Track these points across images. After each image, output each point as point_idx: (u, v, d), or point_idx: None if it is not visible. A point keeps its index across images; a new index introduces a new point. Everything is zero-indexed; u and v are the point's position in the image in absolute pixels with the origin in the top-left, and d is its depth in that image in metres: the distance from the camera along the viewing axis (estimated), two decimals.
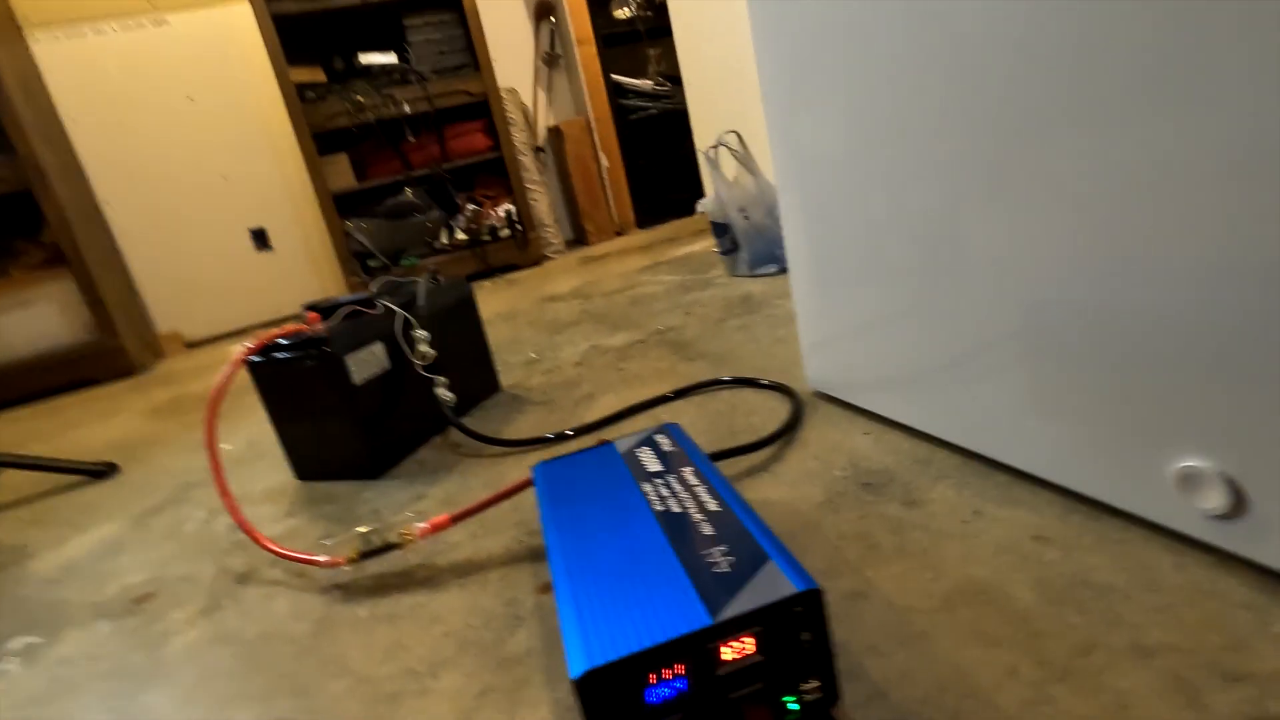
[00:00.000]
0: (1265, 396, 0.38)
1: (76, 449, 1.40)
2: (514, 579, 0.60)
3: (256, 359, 0.88)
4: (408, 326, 0.94)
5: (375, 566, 0.66)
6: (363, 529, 0.66)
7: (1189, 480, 0.43)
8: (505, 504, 0.73)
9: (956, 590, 0.47)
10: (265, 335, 0.85)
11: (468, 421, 1.01)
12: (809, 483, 0.65)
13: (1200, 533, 0.44)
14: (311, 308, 0.91)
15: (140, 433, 1.44)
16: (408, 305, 0.95)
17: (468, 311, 1.10)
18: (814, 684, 0.38)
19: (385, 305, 0.93)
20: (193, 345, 2.56)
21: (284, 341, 0.87)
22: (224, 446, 1.19)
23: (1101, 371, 0.47)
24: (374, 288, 0.99)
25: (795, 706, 0.38)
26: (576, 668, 0.35)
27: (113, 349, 2.18)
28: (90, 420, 1.68)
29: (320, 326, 0.87)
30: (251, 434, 1.23)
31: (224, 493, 0.72)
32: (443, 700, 0.47)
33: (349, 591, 0.64)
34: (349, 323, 0.89)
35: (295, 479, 0.95)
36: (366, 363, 0.89)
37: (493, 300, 2.06)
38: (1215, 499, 0.42)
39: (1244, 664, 0.37)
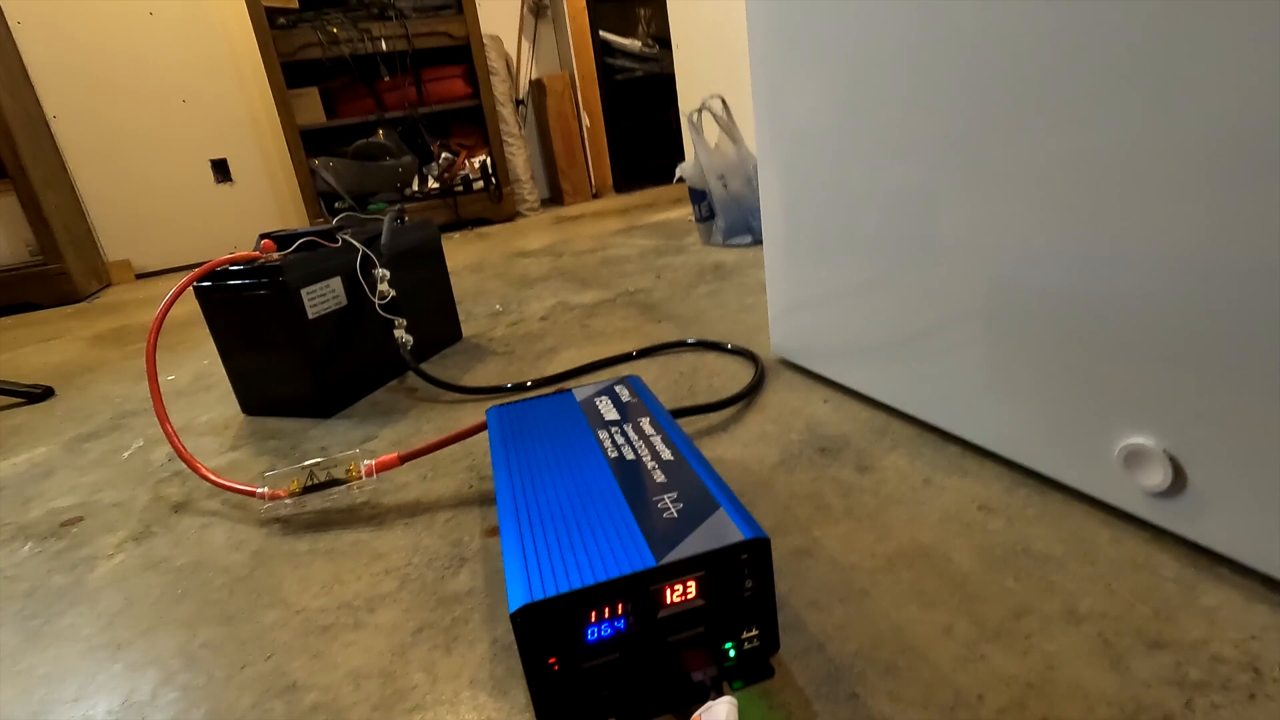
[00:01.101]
0: (1210, 380, 0.39)
1: (11, 372, 1.34)
2: (461, 521, 0.59)
3: (205, 284, 0.85)
4: (368, 264, 0.91)
5: (319, 503, 0.64)
6: (307, 464, 0.64)
7: (1134, 457, 0.44)
8: (458, 449, 0.72)
9: (900, 552, 0.47)
10: (216, 260, 0.82)
11: (426, 367, 0.99)
12: (765, 444, 0.65)
13: (1139, 509, 0.45)
14: (267, 236, 0.87)
15: (81, 359, 1.38)
16: (370, 243, 0.92)
17: (432, 254, 1.07)
18: (754, 633, 0.38)
19: (346, 240, 0.90)
20: (143, 276, 2.46)
21: (236, 269, 0.83)
22: (169, 377, 1.14)
23: (1057, 352, 0.48)
24: (336, 222, 0.95)
25: (733, 653, 0.38)
26: (516, 601, 0.34)
27: (56, 273, 2.08)
28: (29, 344, 1.60)
29: (275, 256, 0.84)
30: (199, 367, 1.19)
31: (162, 418, 0.69)
32: (378, 635, 0.46)
33: (289, 526, 0.62)
34: (306, 254, 0.86)
35: (241, 413, 0.92)
36: (322, 297, 0.86)
37: (461, 252, 2.01)
38: (1157, 476, 0.43)
39: (1168, 633, 0.38)
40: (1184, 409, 0.41)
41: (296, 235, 0.87)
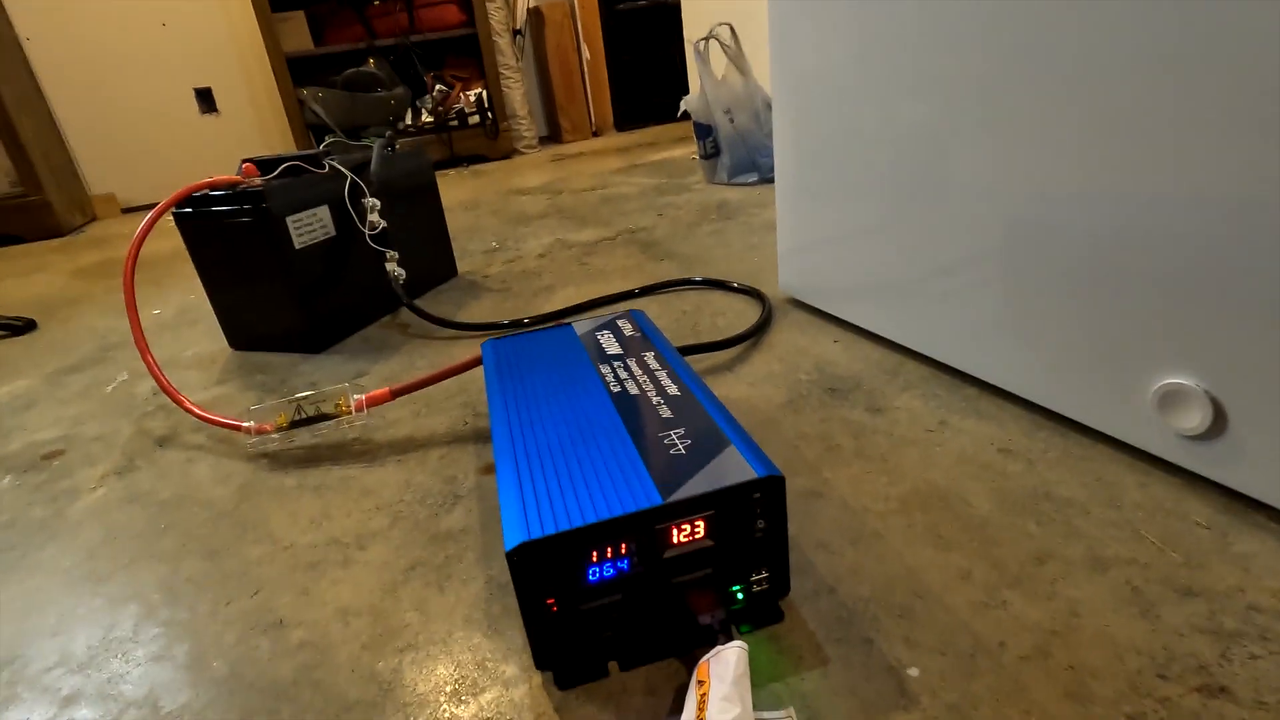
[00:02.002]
0: (1259, 316, 0.36)
1: None
2: (456, 458, 0.56)
3: (186, 212, 0.80)
4: (357, 192, 0.86)
5: (308, 438, 0.61)
6: (294, 397, 0.61)
7: (1170, 398, 0.41)
8: (453, 384, 0.69)
9: (914, 494, 0.45)
10: (195, 184, 0.77)
11: (420, 303, 0.95)
12: (772, 384, 0.62)
13: (1169, 453, 0.43)
14: (249, 161, 0.82)
15: (64, 292, 1.34)
16: (358, 170, 0.87)
17: (425, 185, 1.02)
18: (763, 575, 0.36)
19: (333, 166, 0.85)
20: (130, 211, 2.38)
21: (217, 194, 0.78)
22: (154, 312, 1.11)
23: (1084, 291, 0.45)
24: (322, 148, 0.90)
25: (742, 596, 0.36)
26: (512, 539, 0.32)
27: (38, 204, 2.01)
28: (11, 276, 1.56)
29: (258, 181, 0.79)
30: (185, 301, 1.15)
31: (142, 348, 0.66)
32: (368, 571, 0.44)
33: (277, 461, 0.60)
34: (290, 180, 0.81)
35: (229, 348, 0.89)
36: (309, 227, 0.81)
37: (457, 189, 1.95)
38: (1194, 418, 0.40)
39: (1200, 580, 0.36)
40: (1230, 347, 0.38)
41: (280, 160, 0.82)
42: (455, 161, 2.44)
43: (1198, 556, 0.37)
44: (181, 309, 1.11)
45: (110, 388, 0.82)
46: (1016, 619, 0.35)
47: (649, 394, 0.43)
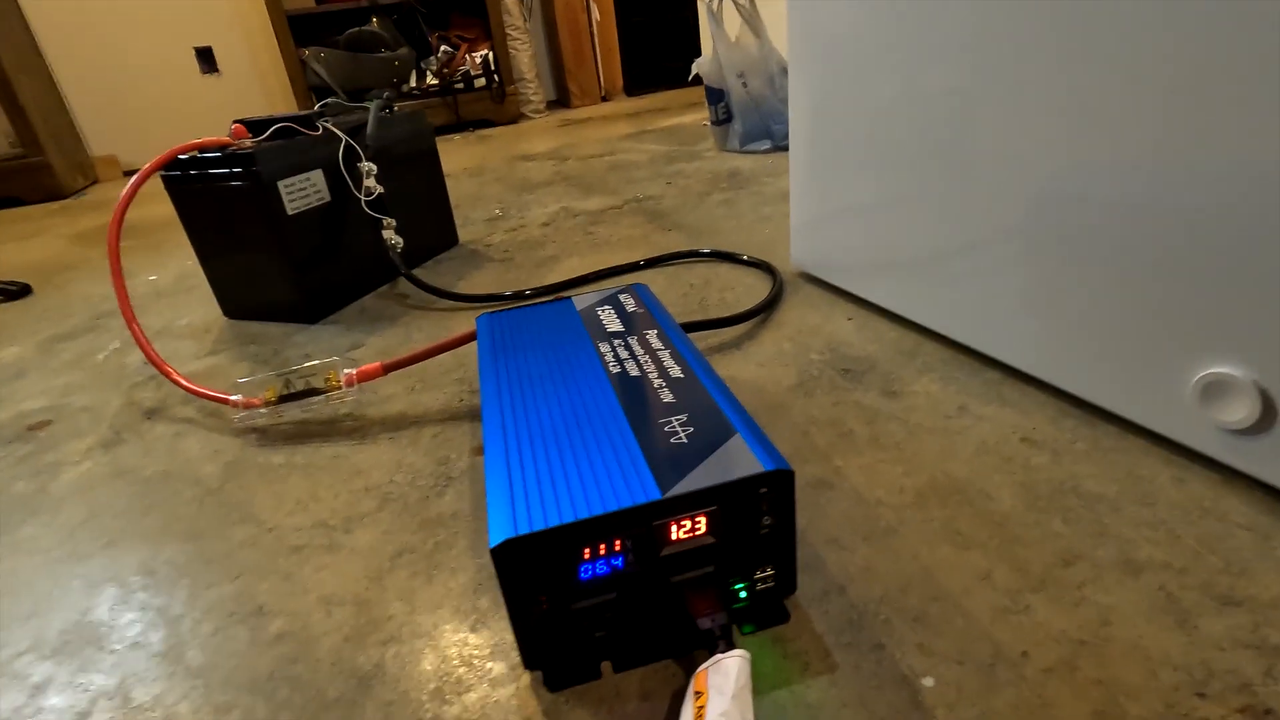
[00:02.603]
0: None
1: None
2: (449, 438, 0.54)
3: (175, 175, 0.77)
4: (352, 156, 0.83)
5: (298, 413, 0.59)
6: (283, 371, 0.59)
7: (1213, 389, 0.38)
8: (448, 359, 0.67)
9: (932, 487, 0.42)
10: (182, 145, 0.74)
11: (419, 273, 0.92)
12: (782, 364, 0.59)
13: (1210, 448, 0.40)
14: (240, 122, 0.79)
15: (62, 257, 1.32)
16: (354, 133, 0.84)
17: (424, 150, 0.99)
18: (768, 572, 0.34)
19: (327, 128, 0.81)
20: (131, 174, 2.35)
21: (207, 156, 0.75)
22: (150, 278, 1.08)
23: (1119, 268, 0.42)
24: (317, 108, 0.87)
25: (745, 594, 0.34)
26: (497, 535, 0.30)
27: (38, 166, 1.98)
28: (9, 240, 1.54)
29: (248, 143, 0.76)
30: (183, 267, 1.12)
31: (127, 314, 0.64)
32: (354, 558, 0.42)
33: (266, 437, 0.57)
34: (282, 143, 0.78)
35: (223, 316, 0.87)
36: (302, 192, 0.78)
37: (461, 154, 1.90)
38: (1241, 411, 0.37)
39: (1241, 588, 0.33)
40: None
41: (272, 121, 0.79)
42: (461, 126, 2.39)
43: (1239, 561, 0.34)
44: (179, 275, 1.08)
45: (102, 356, 0.80)
46: (1041, 626, 0.32)
47: (650, 376, 0.40)
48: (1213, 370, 0.38)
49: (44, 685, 0.36)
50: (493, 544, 0.29)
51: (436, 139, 1.01)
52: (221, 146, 0.75)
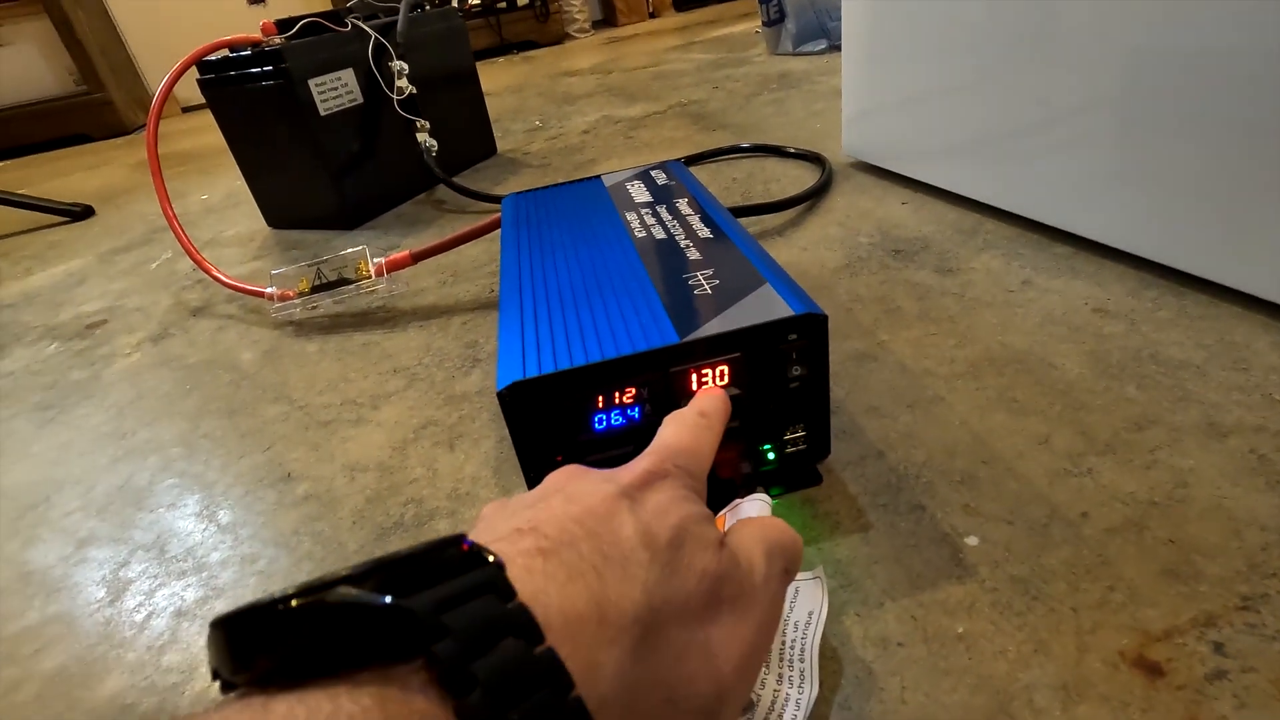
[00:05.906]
0: None
1: (57, 194, 1.33)
2: (478, 325, 0.53)
3: (209, 78, 0.76)
4: (384, 55, 0.80)
5: (332, 306, 0.59)
6: (313, 261, 0.58)
7: None
8: (481, 255, 0.65)
9: (986, 358, 0.39)
10: (209, 44, 0.73)
11: (457, 180, 0.90)
12: (827, 247, 0.55)
13: None
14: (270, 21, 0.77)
15: (123, 183, 1.35)
16: (384, 31, 0.81)
17: (458, 50, 0.95)
18: (799, 433, 0.31)
19: (356, 24, 0.79)
20: (190, 110, 2.39)
21: (237, 57, 0.74)
22: (202, 197, 1.10)
23: (1217, 125, 0.36)
24: (347, 6, 0.84)
25: (773, 455, 0.32)
26: (505, 378, 0.28)
27: (101, 103, 2.03)
28: (76, 171, 1.59)
29: (277, 39, 0.74)
30: (232, 187, 1.14)
31: (169, 216, 0.65)
32: (378, 430, 0.42)
33: (302, 328, 0.58)
34: (311, 40, 0.76)
35: (267, 227, 0.88)
36: (333, 91, 0.77)
37: (503, 75, 1.85)
38: None
39: None
40: None
41: (300, 18, 0.77)
42: (504, 49, 2.32)
43: None
44: (228, 194, 1.10)
45: (155, 264, 0.82)
46: (1105, 489, 0.29)
47: (678, 237, 0.38)
48: None
49: (88, 539, 0.37)
50: (500, 386, 0.28)
51: (478, 62, 0.97)
52: (251, 44, 0.74)
